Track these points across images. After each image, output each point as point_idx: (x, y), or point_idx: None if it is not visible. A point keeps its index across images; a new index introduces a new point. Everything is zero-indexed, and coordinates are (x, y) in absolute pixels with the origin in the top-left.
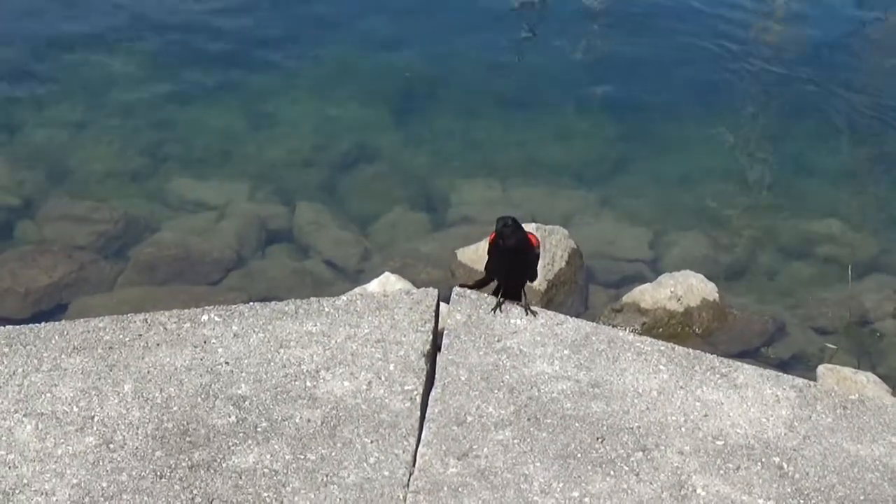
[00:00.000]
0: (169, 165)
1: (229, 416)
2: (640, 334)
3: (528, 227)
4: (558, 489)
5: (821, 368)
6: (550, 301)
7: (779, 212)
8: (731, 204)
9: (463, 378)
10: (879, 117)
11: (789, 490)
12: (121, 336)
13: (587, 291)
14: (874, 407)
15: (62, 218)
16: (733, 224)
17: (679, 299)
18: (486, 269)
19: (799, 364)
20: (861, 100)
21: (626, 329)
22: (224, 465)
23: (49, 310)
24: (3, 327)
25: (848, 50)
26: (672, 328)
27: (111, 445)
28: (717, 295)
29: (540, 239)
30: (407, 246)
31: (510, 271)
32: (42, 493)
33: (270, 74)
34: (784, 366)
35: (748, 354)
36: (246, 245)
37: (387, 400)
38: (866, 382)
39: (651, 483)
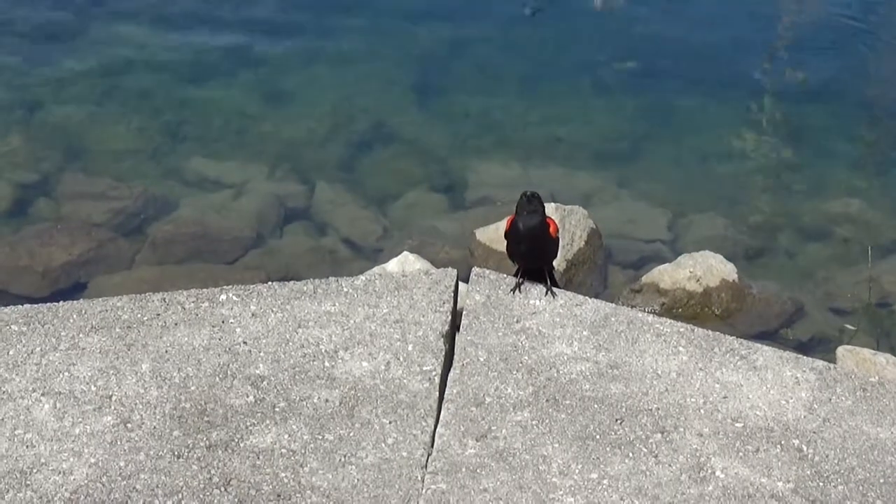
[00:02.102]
0: (187, 143)
1: (247, 396)
2: (660, 315)
3: (548, 208)
4: (577, 471)
5: (840, 350)
6: (570, 281)
7: (798, 192)
8: (751, 185)
9: (482, 359)
10: None
11: (808, 472)
12: (139, 315)
13: (606, 271)
14: (894, 389)
15: (80, 196)
16: (752, 205)
17: (698, 280)
18: (507, 252)
19: (818, 345)
20: (882, 81)
21: (645, 309)
22: (242, 444)
23: (67, 288)
24: (21, 306)
25: (871, 31)
26: (691, 309)
27: (129, 425)
28: (737, 275)
29: (559, 221)
30: (425, 225)
31: (527, 255)
32: (60, 472)
33: (289, 53)
34: (803, 347)
35: (767, 335)
36: (264, 223)
37: (405, 380)
38: (886, 364)
39: (670, 465)
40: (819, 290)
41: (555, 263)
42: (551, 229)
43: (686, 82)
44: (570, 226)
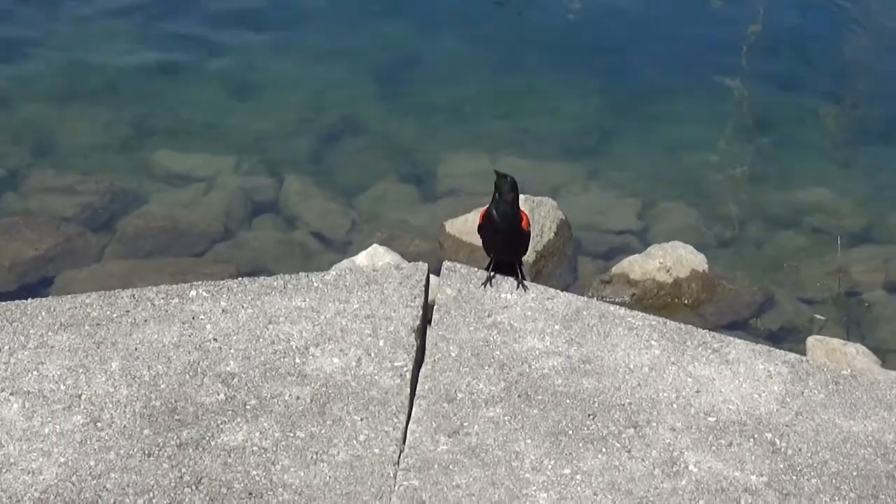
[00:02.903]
0: (155, 137)
1: (218, 394)
2: (630, 305)
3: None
4: (549, 466)
5: (810, 340)
6: (539, 272)
7: (768, 182)
8: (720, 174)
9: (453, 354)
10: (868, 88)
11: (782, 466)
12: (108, 312)
13: (576, 262)
14: (866, 382)
15: (48, 190)
16: (722, 194)
17: (668, 270)
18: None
19: (788, 335)
20: (850, 71)
21: (615, 300)
22: (213, 443)
23: (35, 283)
24: None
25: (837, 21)
26: (661, 299)
27: (99, 424)
28: (706, 266)
29: (528, 212)
30: (395, 217)
31: (502, 246)
32: (29, 472)
33: (257, 46)
34: (773, 337)
35: (737, 326)
36: (233, 217)
37: (376, 376)
38: (855, 353)
39: (643, 460)
40: (789, 280)
41: (524, 256)
42: (524, 223)
43: (656, 74)
44: (540, 217)
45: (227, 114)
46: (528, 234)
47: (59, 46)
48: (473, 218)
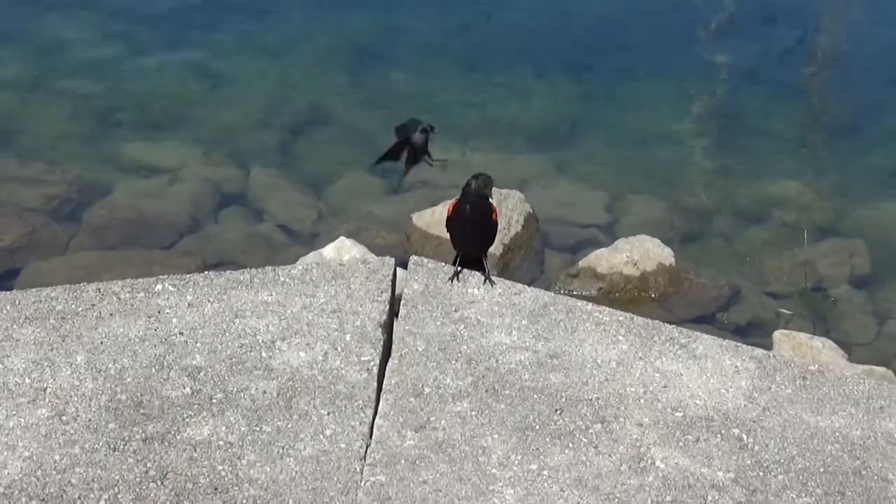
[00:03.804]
0: (122, 128)
1: (184, 388)
2: (596, 299)
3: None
4: (516, 462)
5: (776, 334)
6: (506, 266)
7: (735, 176)
8: (688, 168)
9: (420, 349)
10: (834, 82)
11: (749, 462)
12: (73, 306)
13: (543, 256)
14: (834, 378)
15: (13, 180)
16: (690, 188)
17: (635, 264)
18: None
19: (755, 329)
20: (818, 63)
21: (582, 294)
22: (178, 437)
23: (0, 274)
24: None
25: (805, 13)
26: (628, 293)
27: (64, 417)
28: (673, 259)
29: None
30: (362, 209)
31: (472, 239)
32: None
33: (224, 36)
34: (740, 331)
35: (704, 320)
36: (200, 209)
37: (343, 371)
38: (822, 347)
39: (610, 455)
40: (756, 274)
41: (491, 248)
42: (494, 215)
43: (624, 66)
44: (507, 210)
45: (194, 105)
46: (496, 223)
47: (23, 35)
48: (441, 210)
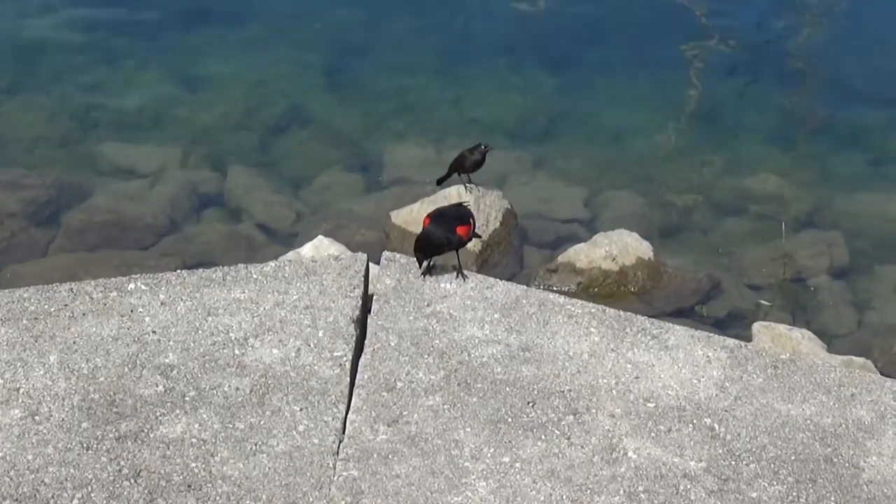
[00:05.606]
0: (100, 130)
1: (157, 386)
2: (576, 294)
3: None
4: (489, 454)
5: (756, 326)
6: (485, 262)
7: (713, 169)
8: (666, 161)
9: (393, 343)
10: (812, 74)
11: (721, 451)
12: (46, 306)
13: (522, 252)
14: (805, 366)
15: None
16: (668, 182)
17: (614, 258)
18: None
19: (734, 321)
20: (795, 57)
21: (561, 289)
22: (152, 435)
23: None
24: None
25: (784, 7)
26: (608, 287)
27: (37, 417)
28: (652, 253)
29: (473, 202)
30: (340, 208)
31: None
32: None
33: (201, 38)
34: (720, 323)
35: (684, 313)
36: (179, 210)
37: (316, 367)
38: (801, 338)
39: (582, 447)
40: (735, 267)
41: (470, 245)
42: (462, 233)
43: (601, 61)
44: (485, 206)
45: (171, 106)
46: (464, 241)
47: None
48: (419, 208)
